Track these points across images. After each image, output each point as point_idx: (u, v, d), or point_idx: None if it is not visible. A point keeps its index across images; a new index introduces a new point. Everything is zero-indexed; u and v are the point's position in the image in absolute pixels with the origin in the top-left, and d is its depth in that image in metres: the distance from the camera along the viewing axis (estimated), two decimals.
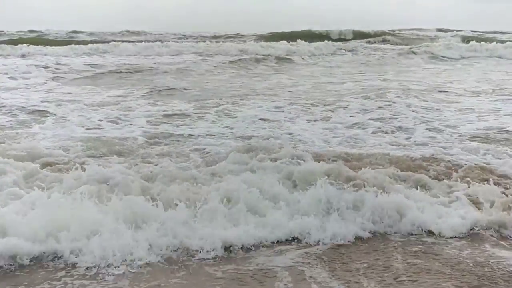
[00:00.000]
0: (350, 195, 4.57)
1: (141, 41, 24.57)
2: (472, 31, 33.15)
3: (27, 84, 12.19)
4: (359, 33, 31.00)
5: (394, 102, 9.74)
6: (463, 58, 20.52)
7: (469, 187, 5.07)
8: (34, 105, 9.32)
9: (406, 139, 7.19)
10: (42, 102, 9.82)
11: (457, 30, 33.32)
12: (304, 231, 4.19)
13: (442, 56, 20.35)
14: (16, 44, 22.58)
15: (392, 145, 6.84)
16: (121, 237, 3.85)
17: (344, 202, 4.44)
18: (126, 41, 24.36)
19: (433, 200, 4.73)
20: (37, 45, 22.57)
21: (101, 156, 6.18)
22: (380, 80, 13.47)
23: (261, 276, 3.54)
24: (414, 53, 20.93)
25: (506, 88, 11.83)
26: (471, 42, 24.10)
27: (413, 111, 8.98)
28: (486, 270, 3.63)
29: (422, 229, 4.32)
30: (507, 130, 7.65)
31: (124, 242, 3.82)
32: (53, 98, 10.34)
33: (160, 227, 4.04)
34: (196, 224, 4.12)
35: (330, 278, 3.51)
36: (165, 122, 8.28)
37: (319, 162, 5.58)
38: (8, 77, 13.17)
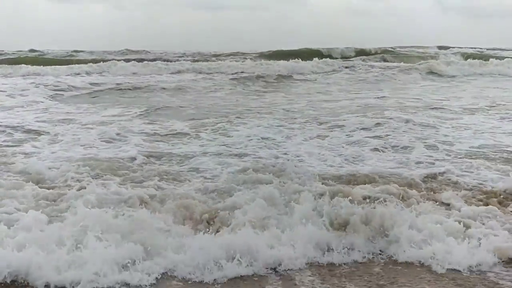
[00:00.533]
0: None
1: (141, 60, 24.86)
2: (472, 48, 33.18)
3: (25, 103, 12.21)
4: (360, 51, 31.21)
5: (390, 118, 9.80)
6: (463, 75, 20.28)
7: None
8: (30, 124, 9.29)
9: (405, 158, 7.07)
10: (37, 121, 9.76)
11: (458, 47, 33.55)
12: None
13: (440, 73, 20.22)
14: (17, 63, 22.94)
15: (392, 163, 6.74)
16: None
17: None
18: (126, 60, 24.61)
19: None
20: (38, 64, 22.84)
21: (100, 177, 6.11)
22: (376, 98, 13.44)
23: None
24: (414, 69, 20.78)
25: (503, 105, 11.77)
26: (468, 59, 24.33)
27: (410, 128, 8.93)
28: None
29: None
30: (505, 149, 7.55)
31: None
32: (49, 117, 10.34)
33: None
34: None
35: None
36: (161, 141, 8.22)
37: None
38: (7, 95, 13.26)
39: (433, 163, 6.81)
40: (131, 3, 68.71)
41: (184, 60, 25.84)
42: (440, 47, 34.20)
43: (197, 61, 25.69)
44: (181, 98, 13.56)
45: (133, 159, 7.04)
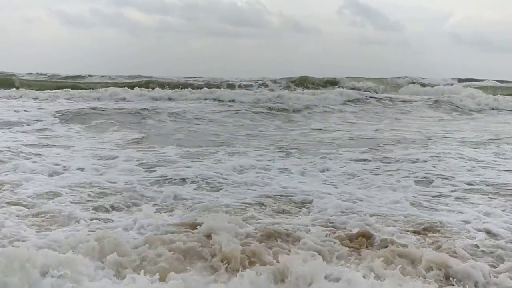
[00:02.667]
0: None
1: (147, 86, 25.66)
2: (498, 81, 32.28)
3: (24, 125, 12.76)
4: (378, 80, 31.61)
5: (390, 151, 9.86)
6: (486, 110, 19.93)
7: None
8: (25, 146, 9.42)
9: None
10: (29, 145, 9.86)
11: (482, 80, 33.28)
12: None
13: (462, 108, 19.73)
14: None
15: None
16: None
17: None
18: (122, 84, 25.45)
19: None
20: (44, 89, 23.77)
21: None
22: (373, 130, 13.29)
23: None
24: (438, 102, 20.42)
25: None
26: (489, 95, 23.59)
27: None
28: None
29: None
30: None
31: None
32: (44, 142, 10.42)
33: None
34: None
35: None
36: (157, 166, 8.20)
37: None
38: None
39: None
40: (144, 28, 70.47)
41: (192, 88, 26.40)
42: (462, 80, 33.91)
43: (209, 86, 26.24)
44: (181, 126, 13.98)
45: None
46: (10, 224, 5.21)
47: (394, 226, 5.40)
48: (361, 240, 4.92)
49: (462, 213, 5.91)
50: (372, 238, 4.98)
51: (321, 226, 5.38)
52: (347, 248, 4.70)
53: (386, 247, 4.69)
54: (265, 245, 4.71)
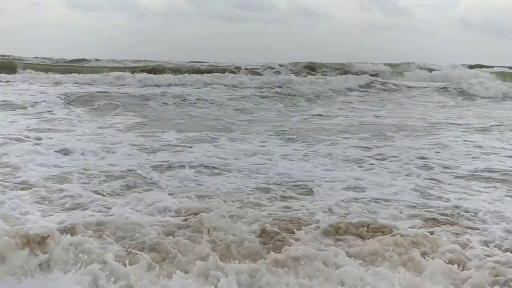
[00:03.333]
0: None
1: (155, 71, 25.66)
2: (509, 67, 31.84)
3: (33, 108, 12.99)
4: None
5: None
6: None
7: None
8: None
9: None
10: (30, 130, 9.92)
11: (492, 66, 32.89)
12: None
13: (471, 94, 19.34)
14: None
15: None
16: None
17: None
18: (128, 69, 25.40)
19: None
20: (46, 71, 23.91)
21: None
22: (375, 116, 13.20)
23: None
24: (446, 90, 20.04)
25: None
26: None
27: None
28: None
29: None
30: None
31: None
32: (46, 125, 10.55)
33: None
34: None
35: None
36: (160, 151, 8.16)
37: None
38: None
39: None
40: (152, 12, 70.34)
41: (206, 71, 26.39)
42: (472, 66, 33.52)
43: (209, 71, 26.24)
44: (185, 111, 14.11)
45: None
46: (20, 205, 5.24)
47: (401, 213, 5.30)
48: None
49: (467, 200, 5.76)
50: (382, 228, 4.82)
51: (326, 212, 5.30)
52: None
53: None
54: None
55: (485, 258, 4.14)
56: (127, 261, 3.78)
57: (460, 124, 11.78)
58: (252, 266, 3.78)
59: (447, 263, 3.89)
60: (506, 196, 5.95)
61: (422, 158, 7.91)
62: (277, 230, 4.65)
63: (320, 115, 13.61)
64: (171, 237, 4.41)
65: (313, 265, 3.84)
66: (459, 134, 10.27)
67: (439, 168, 7.31)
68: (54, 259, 3.66)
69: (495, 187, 6.33)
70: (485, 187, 6.34)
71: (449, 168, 7.32)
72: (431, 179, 6.71)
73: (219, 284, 3.53)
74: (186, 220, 4.92)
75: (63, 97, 15.09)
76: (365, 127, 11.38)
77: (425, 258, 4.00)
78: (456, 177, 6.86)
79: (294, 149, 8.57)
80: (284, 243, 4.36)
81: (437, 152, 8.41)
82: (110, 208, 5.24)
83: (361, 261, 3.93)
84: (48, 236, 3.78)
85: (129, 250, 4.10)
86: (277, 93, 17.97)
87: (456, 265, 3.87)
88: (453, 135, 10.16)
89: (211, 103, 15.48)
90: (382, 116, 13.52)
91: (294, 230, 4.67)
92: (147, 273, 3.69)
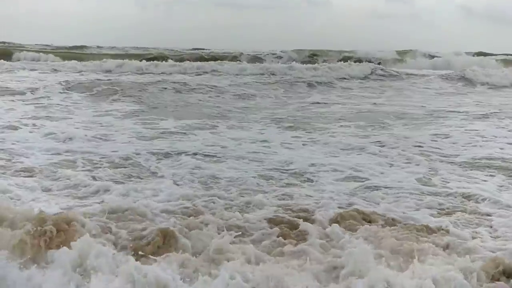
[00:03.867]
0: None
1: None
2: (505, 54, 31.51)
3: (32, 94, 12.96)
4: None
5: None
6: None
7: None
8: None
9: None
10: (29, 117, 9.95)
11: (494, 54, 32.60)
12: None
13: (476, 82, 18.96)
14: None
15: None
16: None
17: None
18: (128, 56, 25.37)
19: None
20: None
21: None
22: (374, 104, 13.08)
23: None
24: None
25: None
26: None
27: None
28: None
29: None
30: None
31: None
32: (45, 112, 10.53)
33: None
34: None
35: None
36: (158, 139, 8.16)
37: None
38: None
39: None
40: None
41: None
42: (477, 53, 33.19)
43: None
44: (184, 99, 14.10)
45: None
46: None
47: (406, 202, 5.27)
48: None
49: (467, 187, 5.70)
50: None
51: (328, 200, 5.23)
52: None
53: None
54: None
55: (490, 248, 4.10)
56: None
57: (460, 112, 11.70)
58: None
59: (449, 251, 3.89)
60: (505, 183, 5.93)
61: (419, 146, 7.85)
62: (283, 218, 4.64)
63: (318, 102, 13.53)
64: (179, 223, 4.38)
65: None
66: (458, 122, 10.20)
67: (437, 156, 7.24)
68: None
69: (494, 175, 6.28)
70: (484, 175, 6.28)
71: (447, 156, 7.25)
72: (430, 167, 6.64)
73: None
74: (187, 208, 4.90)
75: (62, 83, 15.12)
76: (363, 115, 11.31)
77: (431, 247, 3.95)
78: (455, 165, 6.80)
79: (292, 137, 8.53)
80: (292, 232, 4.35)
81: (435, 140, 8.35)
82: (111, 194, 5.29)
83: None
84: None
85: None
86: (277, 80, 17.94)
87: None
88: (453, 123, 10.09)
89: (211, 90, 15.40)
90: (381, 103, 13.42)
91: (300, 218, 4.64)
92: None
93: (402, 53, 31.77)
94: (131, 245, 3.86)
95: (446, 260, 3.65)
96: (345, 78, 19.87)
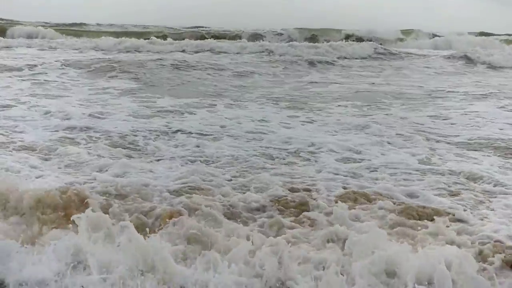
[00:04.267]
0: None
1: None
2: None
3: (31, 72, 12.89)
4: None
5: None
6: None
7: None
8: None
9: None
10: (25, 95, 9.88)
11: (500, 35, 32.24)
12: None
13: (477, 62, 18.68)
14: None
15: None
16: None
17: None
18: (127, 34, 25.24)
19: None
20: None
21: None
22: (373, 84, 12.96)
23: None
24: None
25: None
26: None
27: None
28: None
29: None
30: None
31: None
32: (44, 89, 10.47)
33: None
34: None
35: None
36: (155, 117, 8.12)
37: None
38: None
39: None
40: None
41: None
42: (480, 33, 32.89)
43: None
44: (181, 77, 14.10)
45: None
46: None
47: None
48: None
49: (467, 167, 5.65)
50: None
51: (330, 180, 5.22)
52: None
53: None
54: None
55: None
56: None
57: (459, 92, 11.62)
58: None
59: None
60: (504, 163, 5.91)
61: (418, 126, 7.82)
62: (286, 197, 4.64)
63: (315, 82, 13.41)
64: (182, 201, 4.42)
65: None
66: (457, 103, 10.15)
67: (436, 136, 7.20)
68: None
69: (493, 155, 6.26)
70: (484, 155, 6.25)
71: (446, 136, 7.21)
72: (429, 147, 6.62)
73: None
74: (189, 187, 4.91)
75: (60, 60, 15.10)
76: (361, 94, 11.22)
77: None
78: (454, 145, 6.78)
79: (289, 116, 8.48)
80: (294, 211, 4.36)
81: (433, 121, 8.31)
82: (112, 171, 5.29)
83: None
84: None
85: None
86: (277, 59, 17.85)
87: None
88: (452, 104, 10.04)
89: (209, 68, 15.25)
90: (380, 83, 13.30)
91: (302, 197, 4.64)
92: None
93: (404, 33, 31.56)
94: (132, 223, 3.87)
95: (453, 240, 3.65)
96: (346, 57, 19.77)
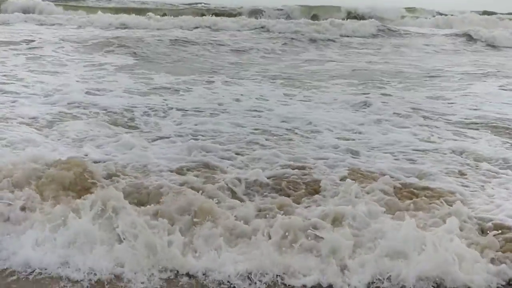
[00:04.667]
0: None
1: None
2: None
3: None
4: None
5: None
6: None
7: None
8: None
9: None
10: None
11: (506, 13, 31.82)
12: None
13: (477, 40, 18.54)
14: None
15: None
16: None
17: None
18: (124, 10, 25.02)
19: None
20: None
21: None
22: (369, 62, 12.86)
23: None
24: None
25: None
26: None
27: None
28: None
29: None
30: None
31: None
32: (40, 64, 10.41)
33: None
34: None
35: None
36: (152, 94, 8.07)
37: None
38: None
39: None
40: None
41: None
42: (484, 12, 32.51)
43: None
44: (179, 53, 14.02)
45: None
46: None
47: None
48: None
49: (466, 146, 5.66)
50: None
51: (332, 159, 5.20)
52: None
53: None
54: None
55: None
56: None
57: (458, 72, 11.54)
58: None
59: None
60: (503, 142, 5.90)
61: (415, 105, 7.77)
62: (288, 176, 4.64)
63: (313, 60, 13.29)
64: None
65: None
66: (456, 81, 10.10)
67: (433, 115, 7.17)
68: None
69: (491, 134, 6.26)
70: (482, 134, 6.26)
71: (444, 115, 7.18)
72: (426, 125, 6.62)
73: None
74: (191, 165, 4.91)
75: (58, 36, 15.02)
76: (357, 73, 11.12)
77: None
78: (452, 124, 6.75)
79: (285, 94, 8.43)
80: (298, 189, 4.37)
81: (431, 99, 8.28)
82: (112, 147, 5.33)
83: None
84: None
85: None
86: (277, 36, 17.67)
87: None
88: (451, 84, 9.97)
89: (208, 44, 15.15)
90: (376, 62, 13.21)
91: (305, 175, 4.64)
92: None
93: (407, 11, 31.21)
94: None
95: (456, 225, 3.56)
96: (347, 35, 19.60)
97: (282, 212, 3.74)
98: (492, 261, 3.14)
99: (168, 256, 3.11)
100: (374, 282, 3.04)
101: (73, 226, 3.27)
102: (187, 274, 3.09)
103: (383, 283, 3.03)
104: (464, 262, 3.07)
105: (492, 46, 18.44)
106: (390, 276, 3.04)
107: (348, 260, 3.11)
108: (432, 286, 3.03)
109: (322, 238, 3.24)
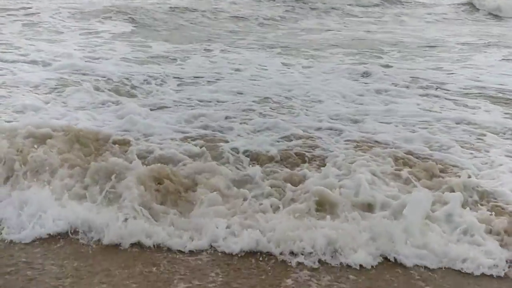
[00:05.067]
0: None
1: None
2: None
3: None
4: None
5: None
6: None
7: None
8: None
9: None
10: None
11: None
12: None
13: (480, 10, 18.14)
14: None
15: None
16: None
17: None
18: None
19: None
20: None
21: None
22: (368, 32, 12.70)
23: None
24: None
25: None
26: None
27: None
28: None
29: None
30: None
31: None
32: (35, 31, 10.34)
33: None
34: None
35: None
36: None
37: None
38: None
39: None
40: None
41: None
42: None
43: None
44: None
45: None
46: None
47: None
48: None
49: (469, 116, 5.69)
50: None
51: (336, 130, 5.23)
52: None
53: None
54: None
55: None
56: None
57: (458, 41, 11.43)
58: None
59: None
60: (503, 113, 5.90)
61: (414, 74, 7.74)
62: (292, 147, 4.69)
63: (311, 28, 13.10)
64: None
65: None
66: (457, 52, 10.03)
67: (434, 85, 7.13)
68: None
69: (492, 105, 6.28)
70: (482, 104, 6.28)
71: (444, 84, 7.17)
72: (426, 95, 6.62)
73: None
74: (194, 134, 4.98)
75: (55, 3, 14.84)
76: (356, 42, 10.97)
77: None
78: (452, 94, 6.73)
79: (283, 63, 8.38)
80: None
81: (431, 69, 8.21)
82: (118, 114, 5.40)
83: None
84: None
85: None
86: (276, 5, 17.44)
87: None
88: (451, 55, 9.86)
89: (207, 11, 14.96)
90: (375, 31, 13.03)
91: (310, 147, 4.70)
92: None
93: None
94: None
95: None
96: (349, 4, 19.25)
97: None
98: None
99: None
100: None
101: None
102: None
103: None
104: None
105: (495, 16, 18.03)
106: None
107: None
108: None
109: None
